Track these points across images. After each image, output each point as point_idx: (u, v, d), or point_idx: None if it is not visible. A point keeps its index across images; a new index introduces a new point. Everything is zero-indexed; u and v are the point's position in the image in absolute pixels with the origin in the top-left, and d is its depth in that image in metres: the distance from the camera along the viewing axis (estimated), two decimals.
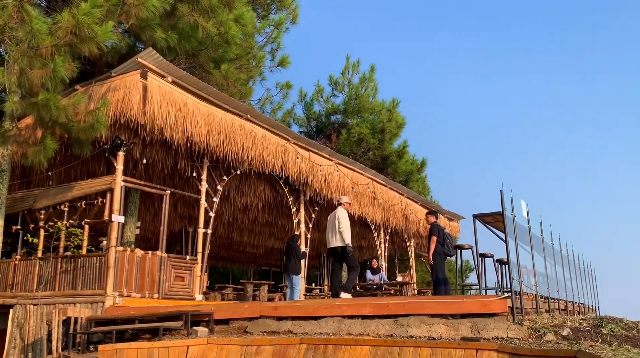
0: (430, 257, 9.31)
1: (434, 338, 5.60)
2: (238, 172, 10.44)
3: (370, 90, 21.21)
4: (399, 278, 14.02)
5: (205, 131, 8.93)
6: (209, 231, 9.76)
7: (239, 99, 12.89)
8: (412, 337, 5.75)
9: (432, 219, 9.78)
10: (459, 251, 9.03)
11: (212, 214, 9.84)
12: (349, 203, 9.83)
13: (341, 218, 9.02)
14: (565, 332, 5.55)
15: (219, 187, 10.10)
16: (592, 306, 14.10)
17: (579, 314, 10.35)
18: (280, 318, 6.72)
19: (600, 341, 5.50)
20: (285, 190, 12.10)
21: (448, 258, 9.46)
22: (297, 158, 11.39)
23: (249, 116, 10.15)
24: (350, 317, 6.36)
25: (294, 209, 12.45)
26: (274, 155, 10.61)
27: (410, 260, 18.45)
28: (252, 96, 15.78)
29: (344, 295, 8.61)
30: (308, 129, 22.37)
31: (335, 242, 8.99)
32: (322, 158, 12.50)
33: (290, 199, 12.30)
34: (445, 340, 5.32)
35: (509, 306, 5.90)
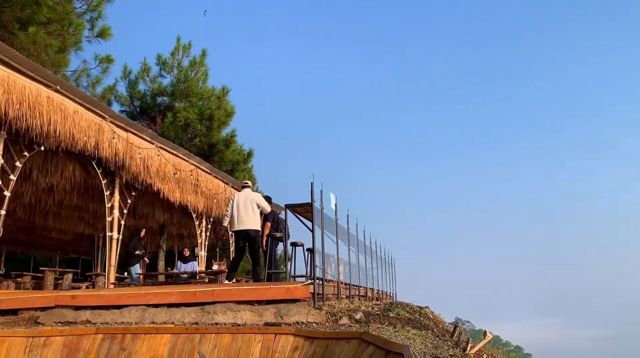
0: (264, 243, 9.36)
1: (238, 325, 5.70)
2: (42, 148, 9.45)
3: (200, 75, 20.71)
4: (215, 267, 13.97)
5: (3, 99, 7.93)
6: (3, 212, 8.69)
7: (52, 69, 11.68)
8: (217, 323, 5.79)
9: None
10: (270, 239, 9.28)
11: (7, 193, 8.77)
12: None
13: (263, 203, 8.75)
14: (358, 316, 6.06)
15: (17, 164, 9.04)
16: (390, 292, 15.62)
17: (377, 300, 11.37)
18: (78, 308, 6.27)
19: (387, 323, 6.12)
20: (99, 172, 11.27)
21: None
22: (114, 138, 10.68)
23: (59, 87, 9.24)
24: (156, 306, 6.18)
25: (107, 193, 11.65)
26: (86, 133, 9.80)
27: (232, 249, 18.52)
28: (69, 67, 14.41)
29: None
30: (131, 108, 21.09)
31: (248, 224, 8.63)
32: (142, 140, 11.88)
33: (103, 182, 11.48)
34: (247, 326, 5.46)
35: (311, 293, 6.25)
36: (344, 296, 7.95)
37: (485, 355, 4.57)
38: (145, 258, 14.09)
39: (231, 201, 9.07)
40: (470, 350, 4.65)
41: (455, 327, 5.24)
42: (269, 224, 9.40)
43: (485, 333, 5.11)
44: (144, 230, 14.39)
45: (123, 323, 5.89)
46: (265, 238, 9.25)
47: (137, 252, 13.46)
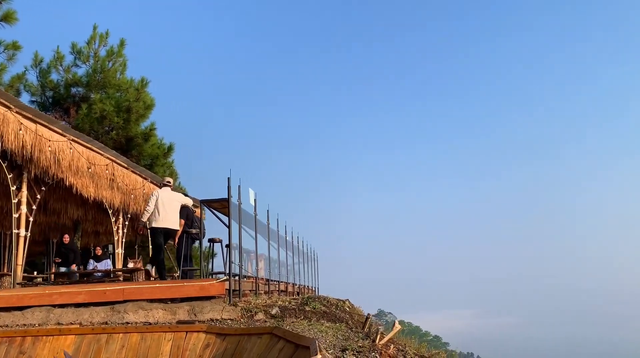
0: (176, 240, 9.18)
1: (149, 323, 5.56)
2: None
3: (118, 65, 19.87)
4: (130, 265, 13.51)
5: None
6: None
7: None
8: (128, 323, 5.62)
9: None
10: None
11: None
12: None
13: (189, 203, 8.92)
14: (274, 311, 6.09)
15: None
16: (312, 287, 15.78)
17: (297, 294, 11.46)
18: None
19: (302, 317, 6.19)
20: (4, 166, 10.58)
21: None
22: (20, 129, 10.06)
23: None
24: (62, 306, 5.91)
25: (13, 188, 10.96)
26: None
27: (151, 246, 17.96)
28: None
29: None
30: (42, 99, 19.90)
31: (173, 223, 8.65)
32: (53, 133, 11.26)
33: (9, 177, 10.79)
34: (158, 325, 5.34)
35: (226, 289, 6.21)
36: (262, 292, 7.95)
37: (392, 346, 4.73)
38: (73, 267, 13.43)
39: (153, 197, 8.87)
40: (379, 341, 4.80)
41: (367, 318, 5.40)
42: (182, 221, 9.24)
43: (394, 324, 5.29)
44: (66, 236, 13.74)
45: (25, 325, 5.58)
46: (178, 236, 9.10)
47: (56, 260, 12.94)
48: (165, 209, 8.68)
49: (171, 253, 11.08)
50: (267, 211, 9.16)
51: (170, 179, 9.47)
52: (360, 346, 4.48)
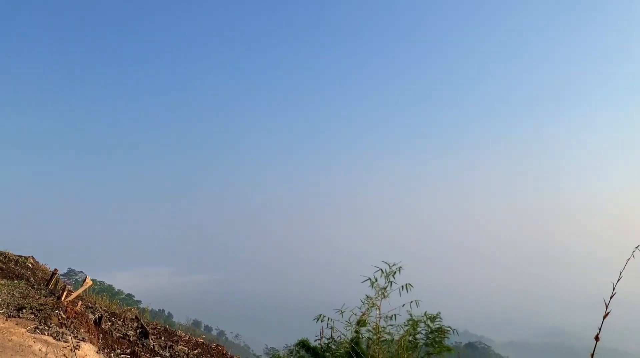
0: None
1: None
2: None
3: None
4: None
5: None
6: None
7: None
8: None
9: None
10: None
11: None
12: None
13: None
14: None
15: None
16: None
17: None
18: None
19: None
20: None
21: None
22: None
23: None
24: None
25: None
26: None
27: None
28: None
29: None
30: None
31: None
32: None
33: None
34: None
35: None
36: None
37: (80, 302, 4.46)
38: None
39: None
40: (65, 298, 4.46)
41: (53, 274, 4.95)
42: None
43: (85, 280, 4.99)
44: None
45: None
46: None
47: None
48: None
49: None
50: None
51: None
52: (41, 304, 4.09)
